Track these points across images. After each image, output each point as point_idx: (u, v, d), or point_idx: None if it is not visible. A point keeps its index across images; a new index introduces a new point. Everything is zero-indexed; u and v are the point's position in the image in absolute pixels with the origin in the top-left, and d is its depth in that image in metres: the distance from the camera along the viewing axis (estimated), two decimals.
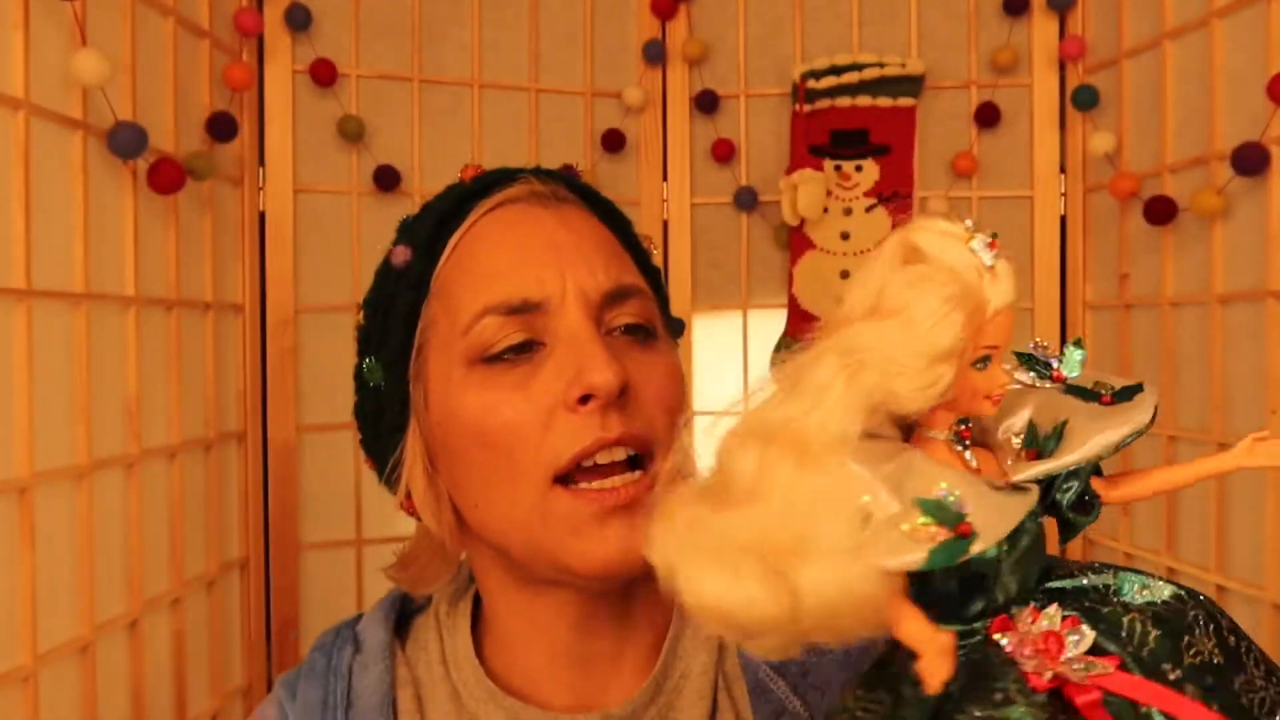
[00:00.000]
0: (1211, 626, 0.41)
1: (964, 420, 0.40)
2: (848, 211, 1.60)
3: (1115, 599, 0.40)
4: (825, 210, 1.58)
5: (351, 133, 1.46)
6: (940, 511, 0.34)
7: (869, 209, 1.60)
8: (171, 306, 1.19)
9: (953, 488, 0.35)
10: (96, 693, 1.02)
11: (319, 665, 0.64)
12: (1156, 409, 0.40)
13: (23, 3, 0.93)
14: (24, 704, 0.91)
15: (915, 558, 0.33)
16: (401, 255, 0.61)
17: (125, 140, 1.04)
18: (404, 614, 0.70)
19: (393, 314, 0.61)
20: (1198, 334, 1.30)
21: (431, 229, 0.61)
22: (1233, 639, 0.42)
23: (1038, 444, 0.40)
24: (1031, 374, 0.43)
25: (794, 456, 0.34)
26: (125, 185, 1.10)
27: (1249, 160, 1.16)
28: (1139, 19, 1.42)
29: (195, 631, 1.25)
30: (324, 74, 1.44)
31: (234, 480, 1.38)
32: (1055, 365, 0.43)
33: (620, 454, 0.55)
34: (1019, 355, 0.44)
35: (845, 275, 1.60)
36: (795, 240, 1.62)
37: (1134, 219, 1.41)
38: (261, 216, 1.44)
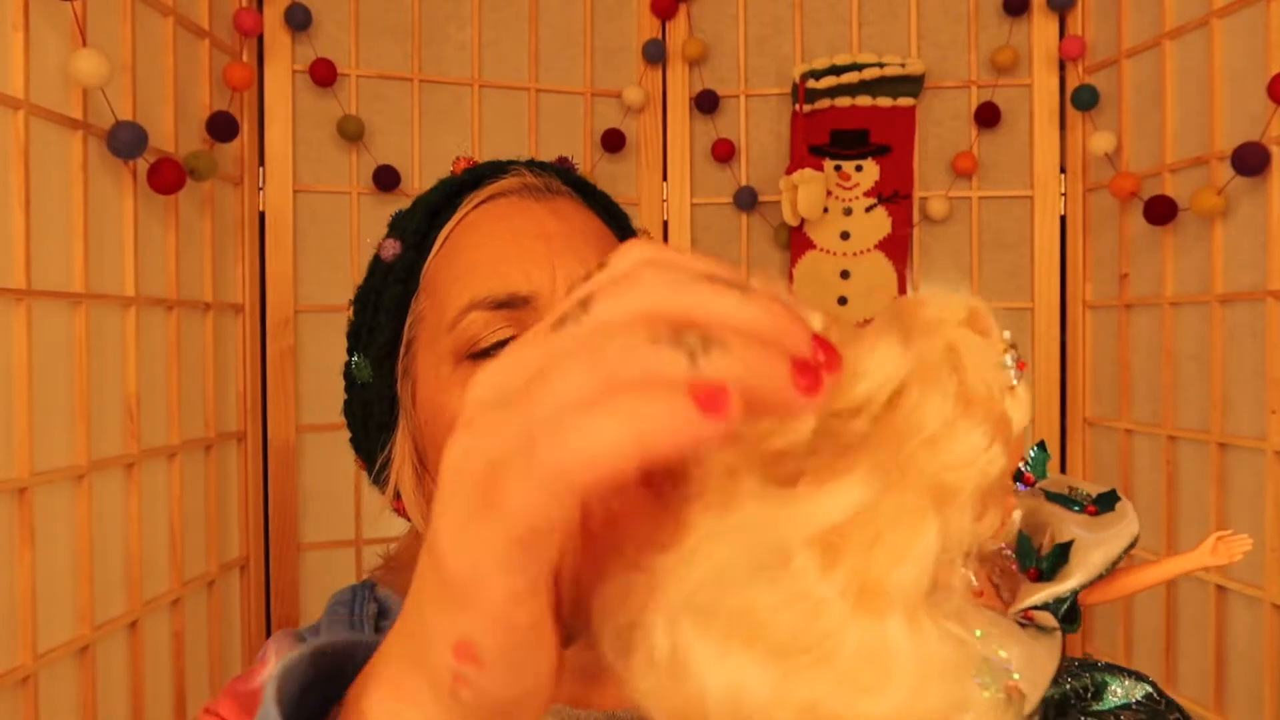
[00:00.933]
0: None
1: None
2: (848, 211, 1.60)
3: (1100, 704, 0.41)
4: (825, 210, 1.58)
5: (351, 132, 1.46)
6: (991, 672, 0.32)
7: (869, 209, 1.60)
8: (171, 306, 1.19)
9: (993, 639, 0.33)
10: (96, 693, 1.02)
11: (341, 614, 0.63)
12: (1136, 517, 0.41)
13: (23, 3, 0.93)
14: (24, 704, 0.91)
15: None
16: (390, 249, 0.60)
17: (125, 140, 1.04)
18: None
19: (381, 309, 0.60)
20: (1198, 334, 1.30)
21: (421, 222, 0.60)
22: None
23: (1035, 561, 0.40)
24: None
25: (884, 613, 0.27)
26: (125, 185, 1.10)
27: (1249, 160, 1.16)
28: (1139, 19, 1.42)
29: (195, 632, 1.25)
30: (324, 74, 1.44)
31: (234, 480, 1.38)
32: (1026, 469, 0.43)
33: None
34: None
35: (845, 275, 1.60)
36: (795, 240, 1.62)
37: (1134, 219, 1.41)
38: (261, 216, 1.44)
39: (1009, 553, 0.41)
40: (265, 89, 1.44)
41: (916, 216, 1.61)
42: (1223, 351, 1.25)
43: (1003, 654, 0.33)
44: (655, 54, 1.63)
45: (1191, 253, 1.32)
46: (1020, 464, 0.43)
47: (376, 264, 0.62)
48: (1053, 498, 0.42)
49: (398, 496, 0.61)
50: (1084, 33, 1.52)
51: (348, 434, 0.67)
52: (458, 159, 0.64)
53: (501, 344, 0.55)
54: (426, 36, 1.54)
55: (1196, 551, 0.42)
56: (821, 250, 1.60)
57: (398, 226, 0.62)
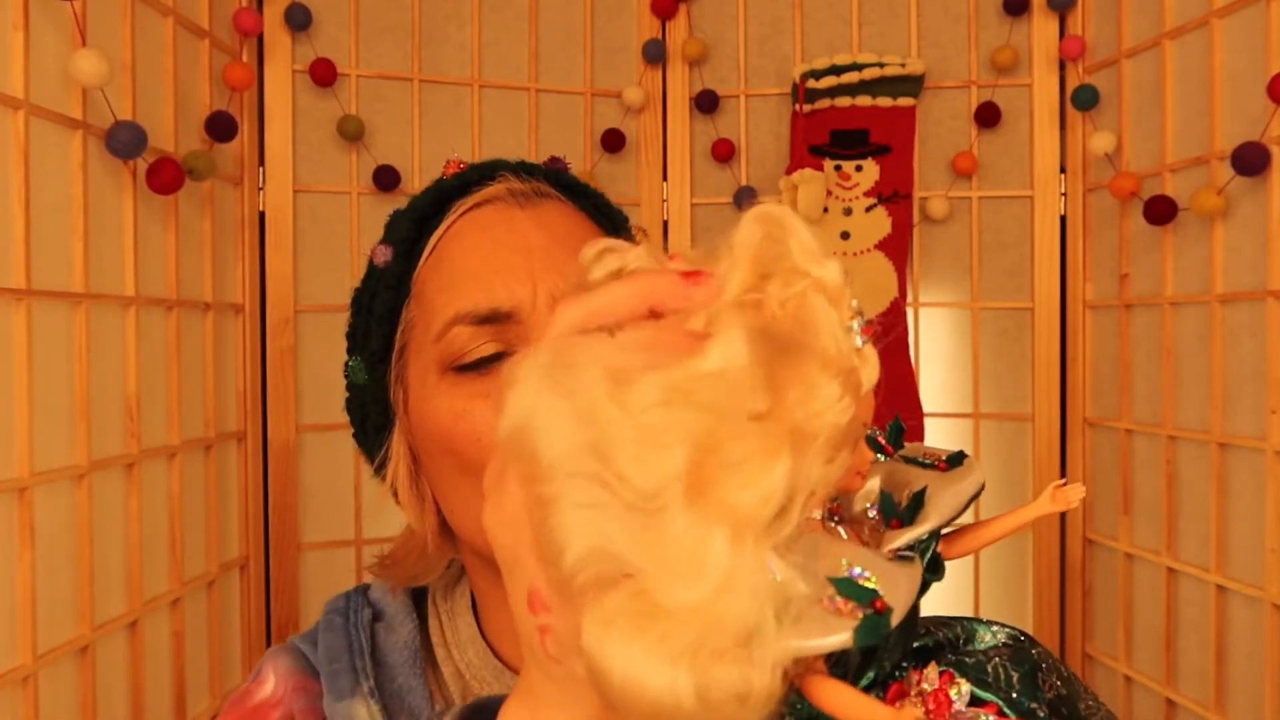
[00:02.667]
0: (1049, 661, 0.45)
1: (834, 498, 0.42)
2: (848, 211, 1.60)
3: (970, 647, 0.44)
4: (825, 210, 1.58)
5: (351, 133, 1.46)
6: (854, 589, 0.35)
7: (869, 209, 1.60)
8: (171, 306, 1.19)
9: (855, 563, 0.36)
10: (96, 693, 1.02)
11: (337, 622, 0.64)
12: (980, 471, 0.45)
13: (23, 3, 0.93)
14: (24, 704, 0.91)
15: (841, 637, 0.33)
16: (382, 255, 0.61)
17: (125, 140, 1.04)
18: None
19: (374, 314, 0.61)
20: (1198, 334, 1.30)
21: (410, 229, 0.60)
22: (1063, 669, 0.47)
23: (898, 513, 0.43)
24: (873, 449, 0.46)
25: (728, 542, 0.31)
26: (125, 185, 1.10)
27: (1249, 160, 1.16)
28: (1139, 19, 1.42)
29: (195, 631, 1.25)
30: (324, 74, 1.44)
31: (234, 480, 1.38)
32: (883, 441, 0.47)
33: None
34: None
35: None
36: None
37: (1134, 219, 1.41)
38: (261, 216, 1.44)
39: (875, 513, 0.44)
40: (265, 89, 1.44)
41: (916, 216, 1.61)
42: (1223, 351, 1.25)
43: (867, 574, 0.36)
44: (655, 54, 1.63)
45: (1191, 253, 1.32)
46: (880, 437, 0.47)
47: (370, 268, 0.63)
48: (908, 460, 0.46)
49: (395, 491, 0.63)
50: (1084, 33, 1.52)
51: (349, 434, 0.68)
52: (448, 162, 0.64)
53: (486, 359, 0.56)
54: (426, 36, 1.54)
55: (1037, 501, 0.46)
56: None
57: (390, 231, 0.62)
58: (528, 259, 0.57)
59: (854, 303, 0.38)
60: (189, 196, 1.23)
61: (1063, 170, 1.57)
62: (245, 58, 1.38)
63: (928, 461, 0.45)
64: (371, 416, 0.62)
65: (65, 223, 1.00)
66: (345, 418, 0.66)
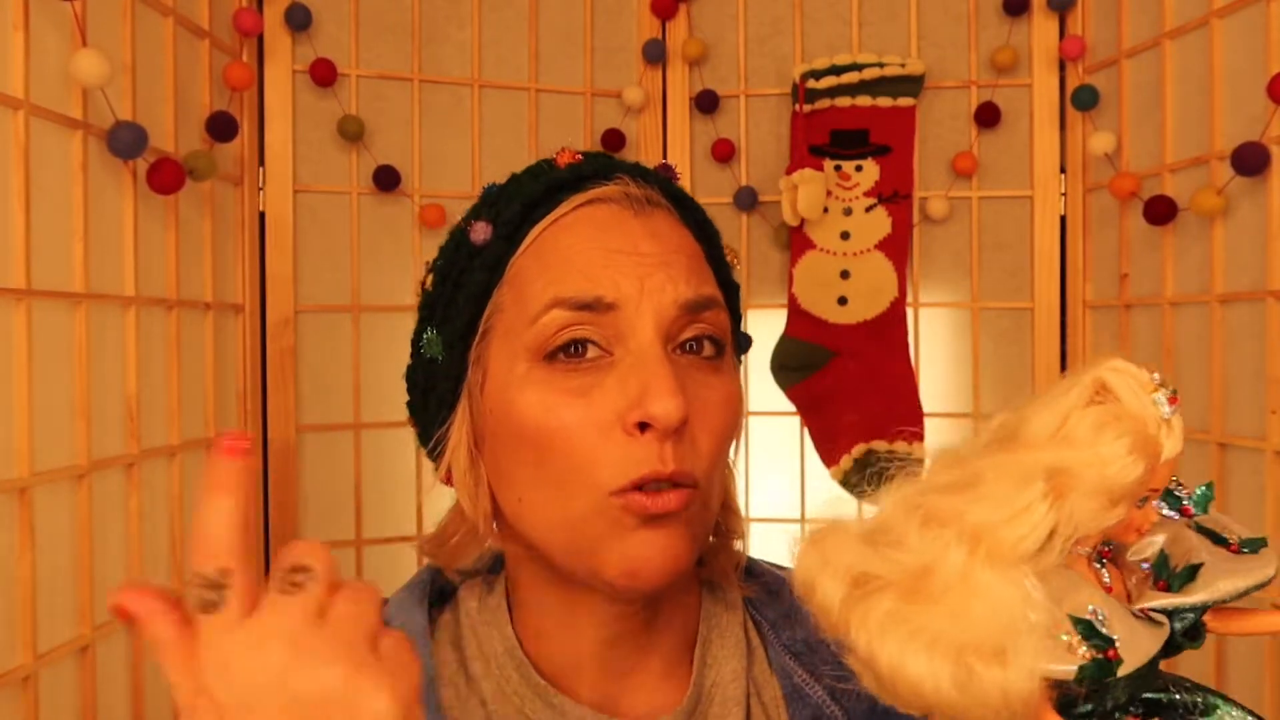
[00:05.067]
0: None
1: (1107, 541, 0.45)
2: (848, 211, 1.60)
3: (1202, 719, 0.45)
4: (825, 210, 1.58)
5: (351, 133, 1.46)
6: (1091, 632, 0.39)
7: (869, 209, 1.60)
8: (171, 307, 1.19)
9: (1100, 610, 0.40)
10: (96, 693, 1.02)
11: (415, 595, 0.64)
12: None
13: (23, 3, 0.93)
14: (24, 704, 0.91)
15: (1067, 669, 0.38)
16: (482, 232, 0.59)
17: (125, 140, 1.04)
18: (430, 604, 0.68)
19: (462, 291, 0.59)
20: (1198, 334, 1.30)
21: (517, 213, 0.59)
22: None
23: (1167, 575, 0.44)
24: (1165, 505, 0.48)
25: (990, 565, 0.38)
26: (125, 185, 1.10)
27: (1249, 160, 1.16)
28: (1139, 19, 1.42)
29: None
30: (324, 74, 1.44)
31: None
32: (1186, 502, 0.48)
33: (666, 485, 0.55)
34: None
35: (845, 275, 1.60)
36: (795, 240, 1.62)
37: (1134, 219, 1.41)
38: (261, 216, 1.44)
39: (1147, 567, 0.45)
40: (265, 89, 1.44)
41: (916, 216, 1.61)
42: (1223, 351, 1.25)
43: (1109, 622, 0.39)
44: (655, 54, 1.63)
45: (1191, 253, 1.32)
46: (1186, 497, 0.48)
47: (463, 241, 0.60)
48: (1201, 530, 0.46)
49: (448, 471, 0.61)
50: (1084, 33, 1.52)
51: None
52: (562, 150, 0.62)
53: (580, 347, 0.55)
54: (426, 36, 1.54)
55: None
56: (821, 250, 1.61)
57: (491, 209, 0.60)
58: (639, 262, 0.57)
59: (1155, 375, 0.42)
60: (189, 196, 1.23)
61: (1063, 170, 1.57)
62: (245, 58, 1.38)
63: (1222, 536, 0.46)
64: (439, 392, 0.61)
65: (65, 223, 1.00)
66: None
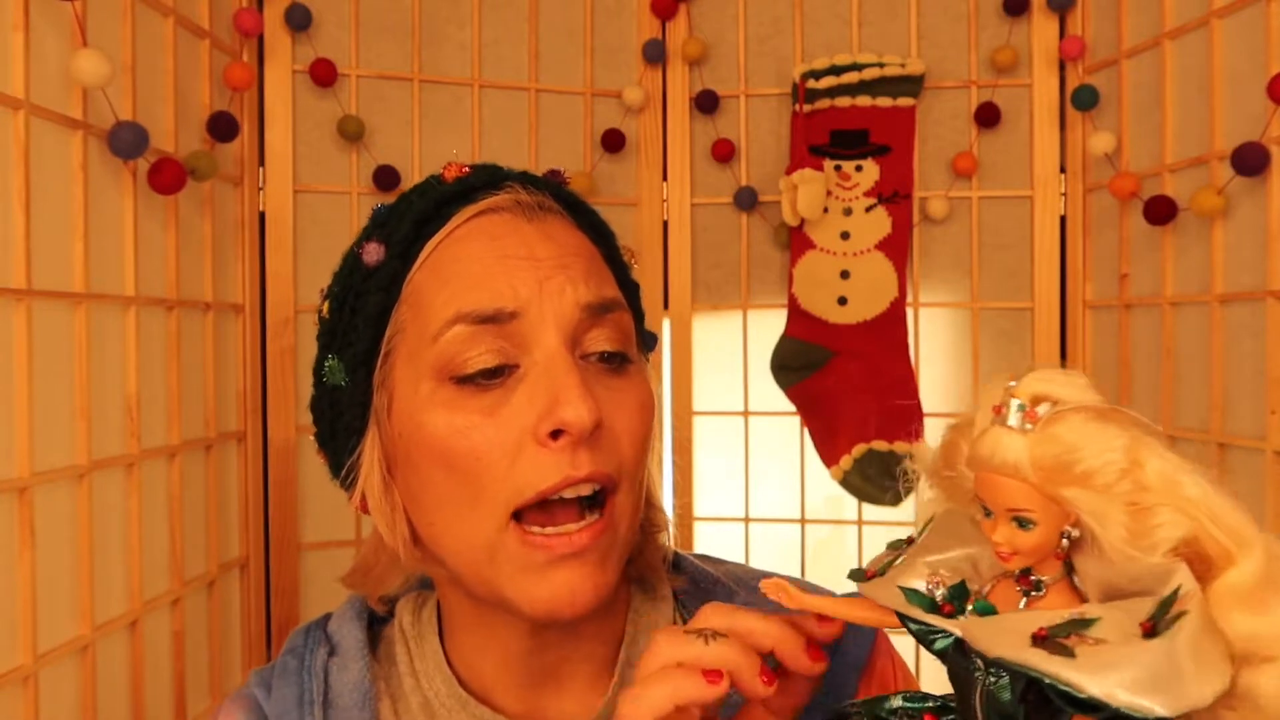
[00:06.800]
0: None
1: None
2: (848, 211, 1.60)
3: None
4: (825, 210, 1.58)
5: (351, 133, 1.46)
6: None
7: (869, 209, 1.60)
8: (171, 306, 1.19)
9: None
10: (96, 693, 1.02)
11: (291, 666, 0.63)
12: None
13: (23, 3, 0.93)
14: (24, 704, 0.91)
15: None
16: (374, 254, 0.58)
17: (125, 140, 1.04)
18: (370, 619, 0.68)
19: (360, 314, 0.58)
20: (1198, 334, 1.30)
21: (409, 230, 0.58)
22: None
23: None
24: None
25: None
26: (125, 185, 1.10)
27: (1249, 160, 1.16)
28: (1139, 19, 1.42)
29: (195, 631, 1.25)
30: (324, 74, 1.44)
31: (234, 480, 1.38)
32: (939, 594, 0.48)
33: (585, 489, 0.54)
34: None
35: (845, 275, 1.60)
36: (795, 240, 1.62)
37: (1134, 219, 1.41)
38: (261, 216, 1.44)
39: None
40: (265, 89, 1.44)
41: (916, 216, 1.61)
42: (1223, 351, 1.25)
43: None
44: (655, 54, 1.63)
45: (1191, 253, 1.32)
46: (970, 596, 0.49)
47: (356, 265, 0.59)
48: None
49: (363, 498, 0.61)
50: (1084, 33, 1.52)
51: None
52: (448, 165, 0.62)
53: (484, 372, 0.55)
54: (426, 36, 1.54)
55: None
56: (821, 250, 1.60)
57: (381, 229, 0.60)
58: (536, 267, 0.56)
59: (1010, 383, 0.44)
60: (189, 196, 1.23)
61: (1063, 170, 1.57)
62: (245, 58, 1.38)
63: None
64: (346, 419, 0.60)
65: (65, 223, 1.00)
66: None
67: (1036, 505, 0.41)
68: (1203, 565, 0.40)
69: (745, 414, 1.67)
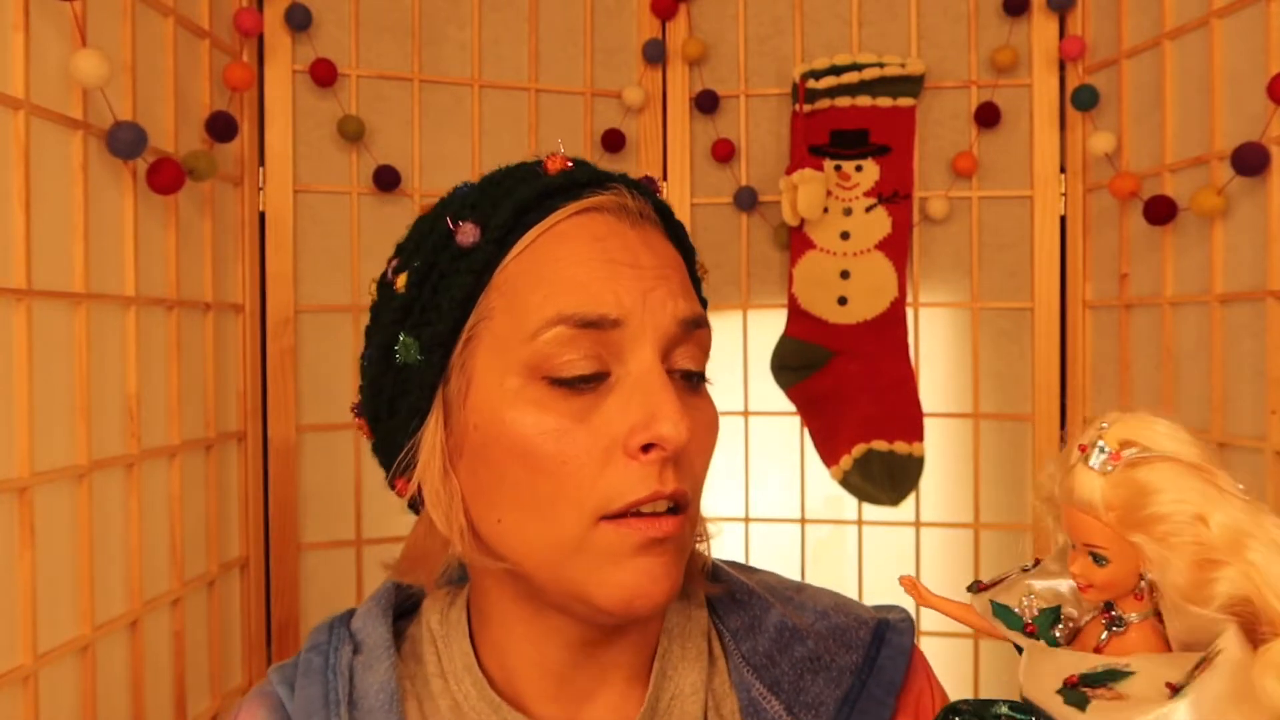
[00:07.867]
0: None
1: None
2: (848, 211, 1.60)
3: None
4: (825, 210, 1.58)
5: (351, 133, 1.46)
6: None
7: (869, 209, 1.60)
8: (171, 306, 1.19)
9: None
10: (96, 693, 1.02)
11: (316, 664, 0.62)
12: None
13: (23, 3, 0.93)
14: (24, 704, 0.91)
15: None
16: (470, 234, 0.56)
17: (125, 140, 1.04)
18: (395, 616, 0.67)
19: (445, 295, 0.56)
20: (1198, 334, 1.30)
21: (508, 217, 0.56)
22: None
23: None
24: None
25: None
26: (125, 185, 1.10)
27: (1249, 160, 1.16)
28: (1139, 19, 1.42)
29: (195, 631, 1.25)
30: (324, 74, 1.44)
31: (234, 480, 1.38)
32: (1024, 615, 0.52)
33: (662, 505, 0.54)
34: None
35: (845, 275, 1.60)
36: (795, 240, 1.62)
37: (1134, 219, 1.41)
38: (261, 216, 1.44)
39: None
40: (265, 89, 1.44)
41: (916, 216, 1.61)
42: (1223, 351, 1.25)
43: None
44: (655, 54, 1.63)
45: (1191, 253, 1.32)
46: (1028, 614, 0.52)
47: (445, 243, 0.57)
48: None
49: (405, 481, 0.58)
50: (1084, 33, 1.52)
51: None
52: (553, 155, 0.60)
53: (582, 378, 0.53)
54: (426, 36, 1.54)
55: None
56: (821, 250, 1.61)
57: (476, 210, 0.57)
58: (640, 276, 0.55)
59: (1103, 424, 0.48)
60: (189, 196, 1.23)
61: (1063, 170, 1.57)
62: (245, 58, 1.38)
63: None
64: (411, 399, 0.57)
65: (65, 223, 1.00)
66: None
67: (1109, 543, 0.44)
68: (1261, 629, 0.41)
69: (745, 414, 1.68)
